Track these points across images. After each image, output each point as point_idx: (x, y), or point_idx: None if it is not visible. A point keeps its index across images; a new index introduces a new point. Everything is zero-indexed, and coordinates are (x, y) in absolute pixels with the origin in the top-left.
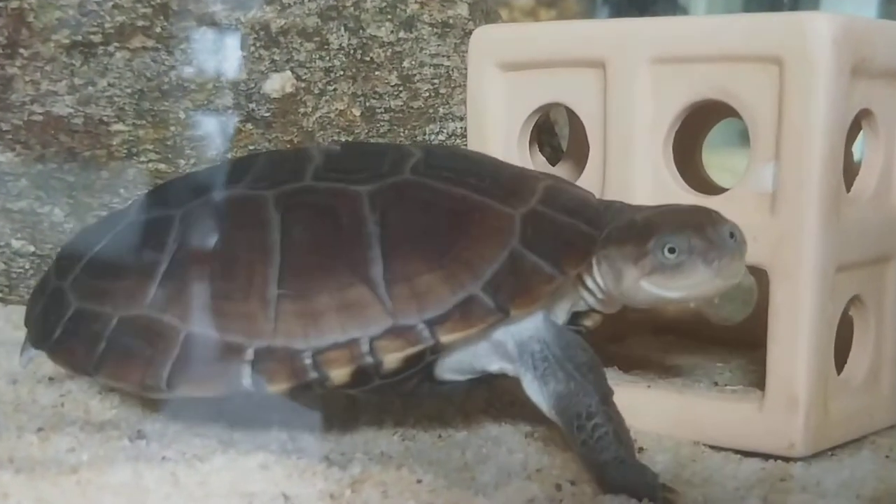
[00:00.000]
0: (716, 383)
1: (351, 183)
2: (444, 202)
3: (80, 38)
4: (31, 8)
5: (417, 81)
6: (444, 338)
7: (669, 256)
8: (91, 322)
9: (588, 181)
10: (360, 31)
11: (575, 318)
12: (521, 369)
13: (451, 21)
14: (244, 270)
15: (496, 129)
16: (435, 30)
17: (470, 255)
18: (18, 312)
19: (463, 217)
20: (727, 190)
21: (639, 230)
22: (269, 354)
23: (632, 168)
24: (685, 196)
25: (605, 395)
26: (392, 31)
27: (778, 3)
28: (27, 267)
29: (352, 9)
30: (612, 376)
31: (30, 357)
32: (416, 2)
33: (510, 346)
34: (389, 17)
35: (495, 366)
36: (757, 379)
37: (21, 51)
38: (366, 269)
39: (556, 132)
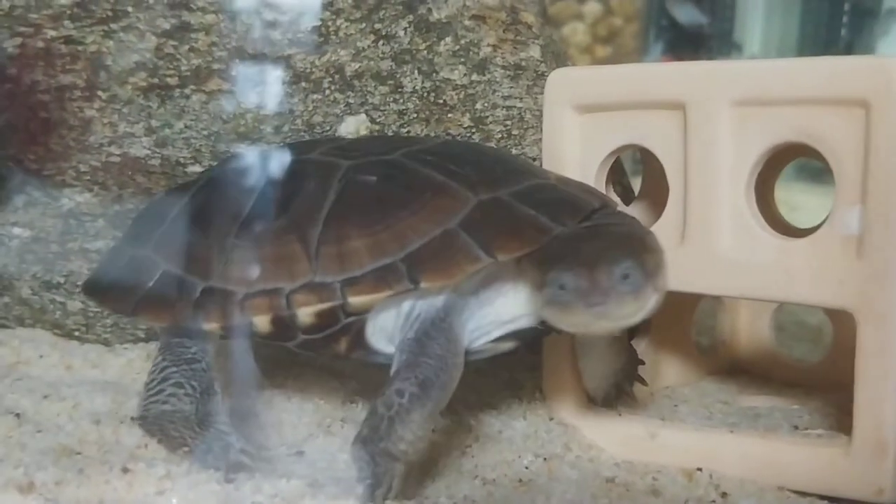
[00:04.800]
0: (796, 427)
1: (342, 158)
2: (404, 179)
3: (156, 80)
4: (109, 51)
5: (490, 123)
6: (353, 299)
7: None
8: (116, 258)
9: (668, 224)
10: (434, 74)
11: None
12: (401, 337)
13: (523, 63)
14: (220, 223)
15: (572, 171)
16: (507, 72)
17: (404, 228)
18: (96, 351)
19: (415, 194)
20: (806, 230)
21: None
22: (210, 294)
23: (714, 211)
24: (768, 240)
25: (411, 395)
26: (465, 74)
27: (834, 40)
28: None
29: (425, 52)
30: (693, 420)
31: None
32: (488, 45)
33: (413, 317)
34: (462, 60)
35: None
36: (836, 422)
37: (99, 93)
38: (307, 228)
39: (625, 171)
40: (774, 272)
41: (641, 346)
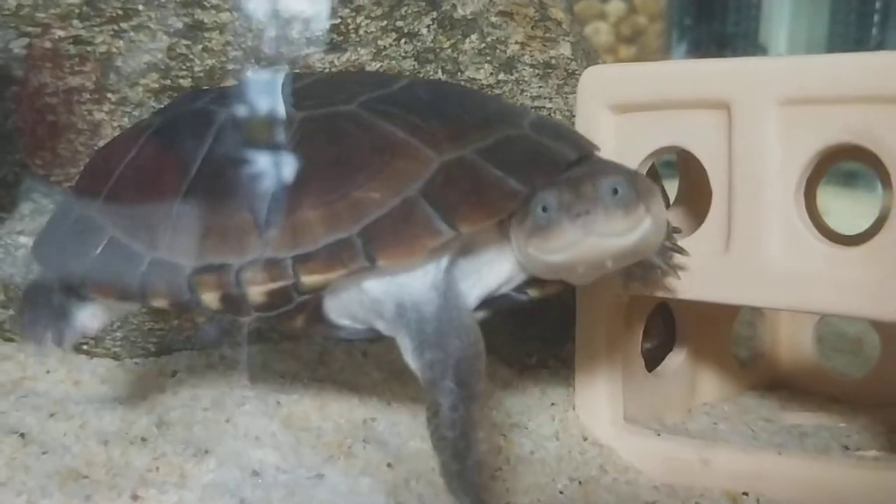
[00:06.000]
0: (846, 447)
1: (296, 108)
2: (361, 137)
3: (168, 81)
4: (119, 52)
5: None
6: (305, 278)
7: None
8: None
9: (711, 231)
10: (459, 73)
11: (530, 284)
12: (400, 333)
13: (553, 62)
14: (166, 182)
15: None
16: (536, 71)
17: (360, 196)
18: (105, 366)
19: (372, 156)
20: (856, 237)
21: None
22: (157, 267)
23: (760, 216)
24: (820, 248)
25: (463, 399)
26: (491, 73)
27: (864, 40)
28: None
29: (449, 51)
30: (736, 439)
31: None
32: (516, 42)
33: (388, 306)
34: (489, 58)
35: (379, 324)
36: (888, 442)
37: (109, 95)
38: (256, 196)
39: (659, 175)
40: (827, 283)
41: (679, 360)
